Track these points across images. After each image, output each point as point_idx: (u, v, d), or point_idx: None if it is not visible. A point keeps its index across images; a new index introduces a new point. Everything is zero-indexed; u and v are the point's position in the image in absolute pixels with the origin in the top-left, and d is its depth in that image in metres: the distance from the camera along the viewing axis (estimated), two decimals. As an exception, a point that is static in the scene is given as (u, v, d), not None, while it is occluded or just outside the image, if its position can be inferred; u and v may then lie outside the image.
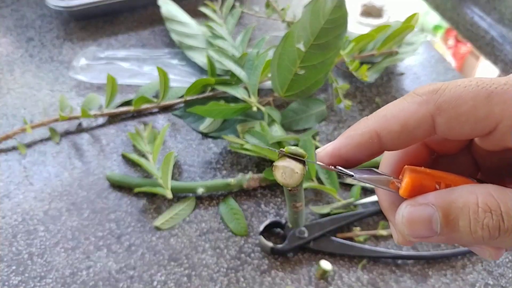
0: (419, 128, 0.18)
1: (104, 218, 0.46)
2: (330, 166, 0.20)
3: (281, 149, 0.21)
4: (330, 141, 0.54)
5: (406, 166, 0.20)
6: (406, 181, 0.19)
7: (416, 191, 0.19)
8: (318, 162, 0.20)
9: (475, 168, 0.23)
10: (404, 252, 0.43)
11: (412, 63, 0.65)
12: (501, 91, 0.16)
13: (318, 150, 0.21)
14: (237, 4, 0.71)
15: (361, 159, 0.20)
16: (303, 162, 0.20)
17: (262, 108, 0.52)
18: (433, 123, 0.18)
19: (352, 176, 0.19)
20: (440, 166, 0.22)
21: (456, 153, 0.23)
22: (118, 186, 0.49)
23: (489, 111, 0.16)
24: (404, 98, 0.19)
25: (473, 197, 0.17)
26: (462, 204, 0.17)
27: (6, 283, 0.42)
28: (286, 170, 0.19)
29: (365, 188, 0.48)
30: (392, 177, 0.20)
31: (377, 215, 0.47)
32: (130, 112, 0.57)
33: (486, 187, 0.17)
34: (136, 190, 0.47)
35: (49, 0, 0.66)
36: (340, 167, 0.20)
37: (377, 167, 0.23)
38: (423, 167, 0.20)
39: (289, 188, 0.22)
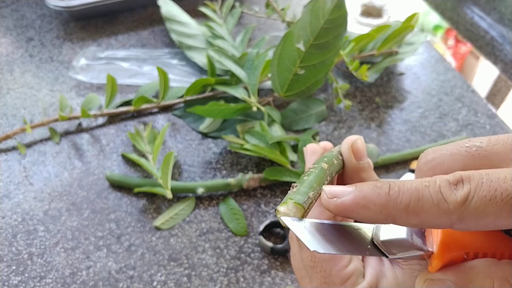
0: (437, 227, 0.19)
1: (104, 218, 0.46)
2: None
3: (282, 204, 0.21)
4: (330, 141, 0.54)
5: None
6: (436, 263, 0.20)
7: (445, 267, 0.20)
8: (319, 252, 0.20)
9: None
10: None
11: (412, 63, 0.65)
12: None
13: (327, 191, 0.20)
14: (237, 4, 0.71)
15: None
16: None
17: (262, 108, 0.52)
18: (452, 225, 0.18)
19: (387, 257, 0.20)
20: None
21: None
22: (118, 186, 0.49)
23: (510, 223, 0.17)
24: (429, 191, 0.18)
25: (489, 282, 0.19)
26: (478, 287, 0.19)
27: (6, 283, 0.42)
28: (288, 216, 0.21)
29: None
30: (423, 253, 0.20)
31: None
32: (130, 112, 0.57)
33: (503, 270, 0.19)
34: (136, 190, 0.47)
35: (49, 0, 0.66)
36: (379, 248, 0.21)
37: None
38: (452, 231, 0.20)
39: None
